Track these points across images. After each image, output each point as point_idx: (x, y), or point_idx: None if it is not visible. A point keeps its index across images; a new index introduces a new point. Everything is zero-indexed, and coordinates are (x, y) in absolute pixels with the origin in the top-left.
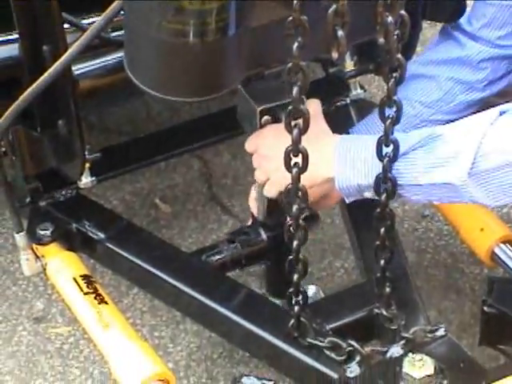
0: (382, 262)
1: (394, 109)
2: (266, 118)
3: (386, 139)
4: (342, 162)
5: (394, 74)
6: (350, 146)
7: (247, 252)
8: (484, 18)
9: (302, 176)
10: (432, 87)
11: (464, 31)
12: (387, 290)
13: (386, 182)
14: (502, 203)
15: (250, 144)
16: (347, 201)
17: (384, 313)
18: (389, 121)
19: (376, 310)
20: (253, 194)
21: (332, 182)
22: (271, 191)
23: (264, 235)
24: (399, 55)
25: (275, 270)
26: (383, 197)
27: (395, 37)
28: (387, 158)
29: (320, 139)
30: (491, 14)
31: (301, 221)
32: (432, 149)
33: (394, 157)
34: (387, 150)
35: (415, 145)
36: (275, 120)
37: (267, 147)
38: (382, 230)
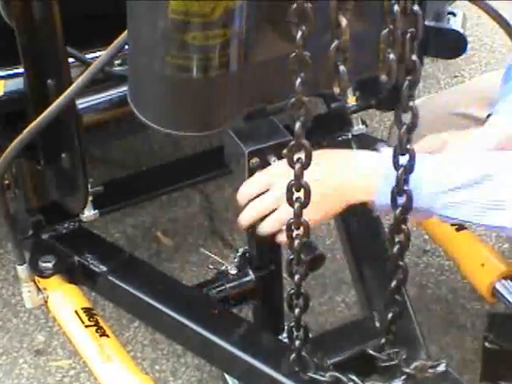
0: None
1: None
2: (254, 160)
3: (398, 188)
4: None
5: (406, 122)
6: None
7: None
8: None
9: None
10: None
11: None
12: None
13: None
14: None
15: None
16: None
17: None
18: (401, 169)
19: (370, 351)
20: None
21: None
22: (268, 226)
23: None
24: (412, 103)
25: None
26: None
27: (406, 82)
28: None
29: (351, 156)
30: None
31: (302, 255)
32: (485, 189)
33: (409, 207)
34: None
35: (470, 181)
36: (263, 162)
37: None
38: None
